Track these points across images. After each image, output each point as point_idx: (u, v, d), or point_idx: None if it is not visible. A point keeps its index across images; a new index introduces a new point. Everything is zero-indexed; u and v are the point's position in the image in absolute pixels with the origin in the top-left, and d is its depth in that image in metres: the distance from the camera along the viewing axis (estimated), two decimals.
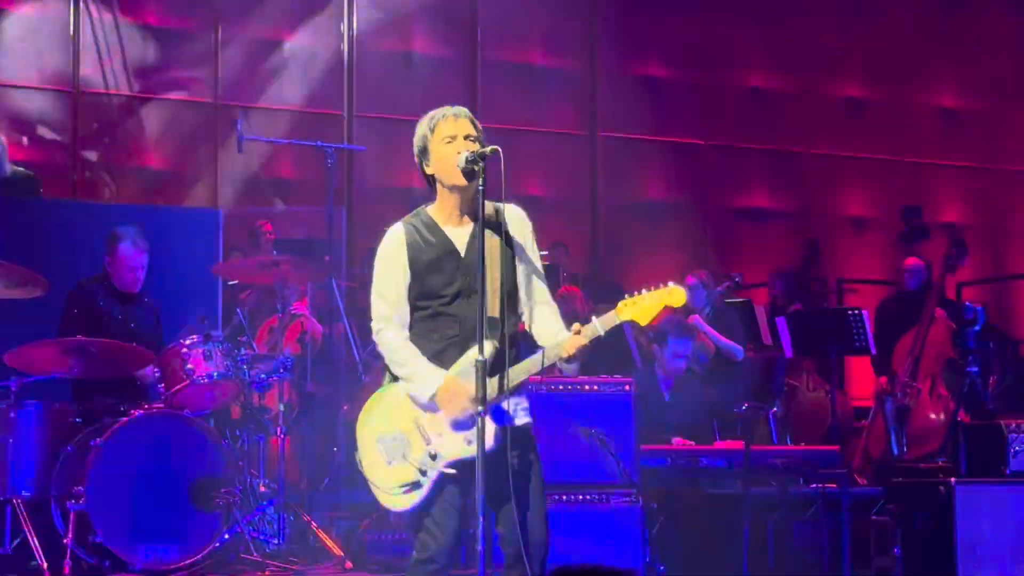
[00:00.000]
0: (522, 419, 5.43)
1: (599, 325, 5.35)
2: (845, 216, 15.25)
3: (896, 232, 12.98)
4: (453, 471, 5.34)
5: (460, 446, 5.36)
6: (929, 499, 8.16)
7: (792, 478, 9.12)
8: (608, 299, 11.22)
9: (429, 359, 5.40)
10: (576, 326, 5.39)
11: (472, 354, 5.31)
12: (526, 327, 5.53)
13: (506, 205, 5.46)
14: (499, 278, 5.36)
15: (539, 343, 5.48)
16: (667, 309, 5.47)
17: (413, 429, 5.41)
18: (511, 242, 5.47)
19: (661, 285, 5.43)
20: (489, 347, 5.28)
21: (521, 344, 5.50)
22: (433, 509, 5.36)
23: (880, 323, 11.38)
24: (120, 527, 7.90)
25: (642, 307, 5.40)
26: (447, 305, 5.43)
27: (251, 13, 12.78)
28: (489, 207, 5.44)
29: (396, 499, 5.41)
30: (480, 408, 5.16)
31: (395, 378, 5.49)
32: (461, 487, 5.39)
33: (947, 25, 15.45)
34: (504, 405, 5.31)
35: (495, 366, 5.27)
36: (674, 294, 5.43)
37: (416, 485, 5.38)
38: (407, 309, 5.47)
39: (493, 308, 5.35)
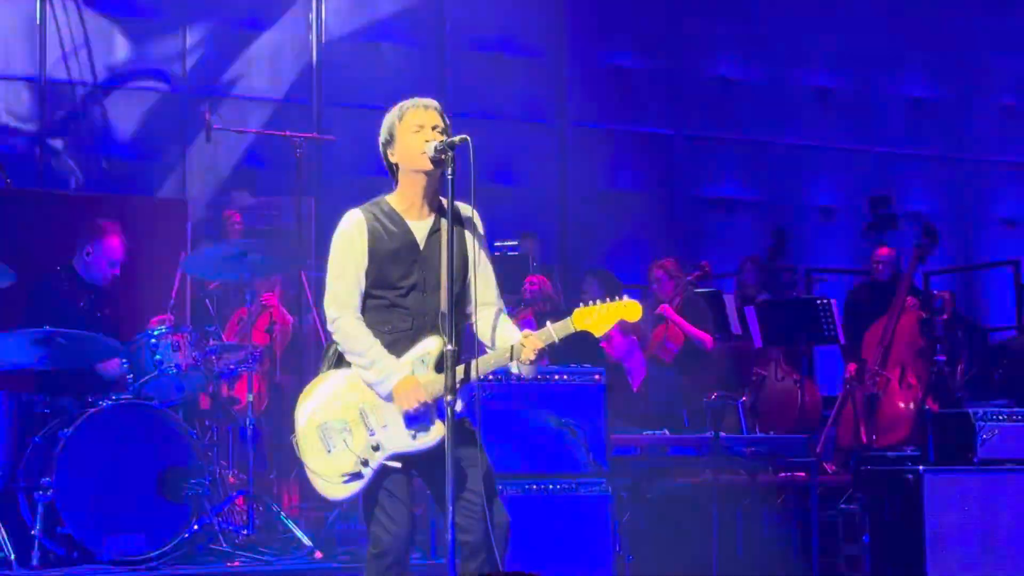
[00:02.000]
0: (463, 410, 5.42)
1: (553, 331, 5.37)
2: (813, 205, 15.28)
3: (864, 221, 13.03)
4: (397, 464, 5.35)
5: (404, 440, 5.38)
6: (897, 487, 8.20)
7: (761, 467, 9.17)
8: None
9: None
10: (527, 331, 5.42)
11: (422, 348, 5.38)
12: (473, 327, 5.52)
13: (461, 204, 5.47)
14: (452, 272, 5.36)
15: (485, 343, 5.50)
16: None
17: (357, 418, 5.41)
18: (464, 241, 5.48)
19: (617, 298, 5.44)
20: (439, 341, 5.32)
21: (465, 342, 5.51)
22: (383, 501, 5.37)
23: (850, 312, 11.42)
24: (88, 518, 7.87)
25: (597, 319, 5.42)
26: (402, 297, 5.44)
27: (219, 3, 12.72)
28: (444, 202, 5.47)
29: (336, 488, 5.41)
30: (449, 397, 5.18)
31: (337, 364, 5.49)
32: (408, 477, 5.40)
33: (915, 14, 15.48)
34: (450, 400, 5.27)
35: (442, 361, 5.28)
36: (629, 308, 5.45)
37: (357, 476, 5.39)
38: (362, 294, 5.46)
39: (444, 303, 5.35)
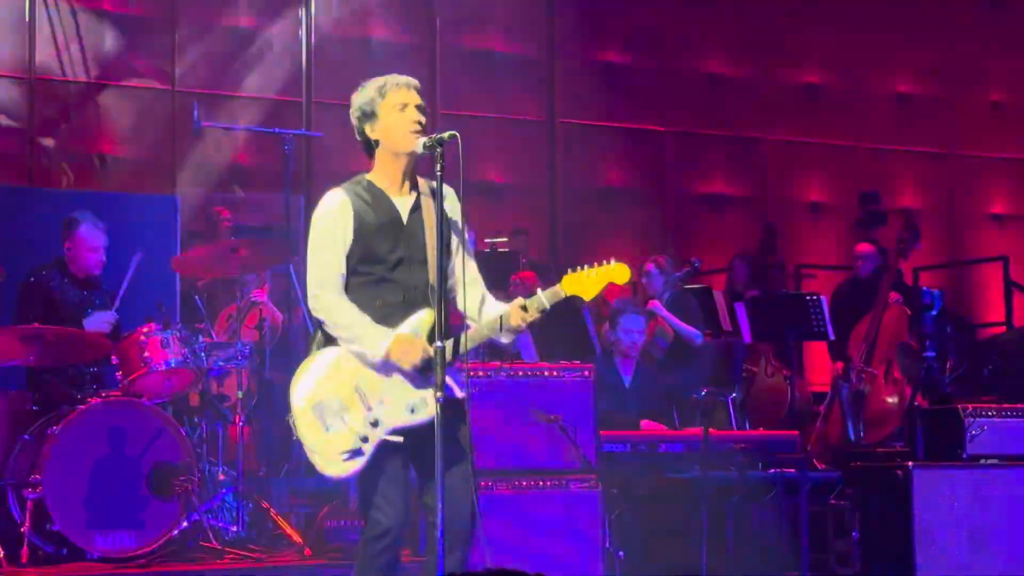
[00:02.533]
0: (458, 392, 5.42)
1: (544, 298, 5.38)
2: (803, 202, 15.29)
3: (853, 217, 13.03)
4: (399, 438, 5.32)
5: (402, 414, 5.35)
6: (887, 483, 8.19)
7: (751, 463, 9.16)
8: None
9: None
10: (520, 300, 5.42)
11: (415, 319, 5.36)
12: (457, 304, 5.52)
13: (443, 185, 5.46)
14: (440, 248, 5.34)
15: (469, 318, 5.49)
16: (612, 286, 5.52)
17: (352, 395, 5.38)
18: (446, 218, 5.46)
19: (605, 262, 5.45)
20: (431, 312, 5.32)
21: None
22: (380, 485, 5.34)
23: (835, 309, 11.41)
24: (78, 515, 7.86)
25: (586, 283, 5.44)
26: (390, 271, 5.43)
27: (210, 0, 12.70)
28: (423, 184, 5.50)
29: (336, 466, 5.38)
30: (439, 394, 5.16)
31: (325, 343, 5.46)
32: (404, 458, 5.37)
33: (904, 11, 15.49)
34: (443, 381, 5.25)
35: (433, 333, 5.26)
36: (617, 270, 5.47)
37: (358, 452, 5.35)
38: (344, 274, 5.44)
39: (431, 277, 5.36)
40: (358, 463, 5.35)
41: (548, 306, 5.38)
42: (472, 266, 5.55)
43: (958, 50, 15.73)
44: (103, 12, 12.37)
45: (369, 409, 5.35)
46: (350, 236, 5.42)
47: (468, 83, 13.60)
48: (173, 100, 12.43)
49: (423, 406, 5.34)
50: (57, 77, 12.21)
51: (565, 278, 5.43)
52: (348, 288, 5.44)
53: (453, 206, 5.53)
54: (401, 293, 5.41)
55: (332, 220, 5.44)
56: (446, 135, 5.30)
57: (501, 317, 5.39)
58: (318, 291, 5.43)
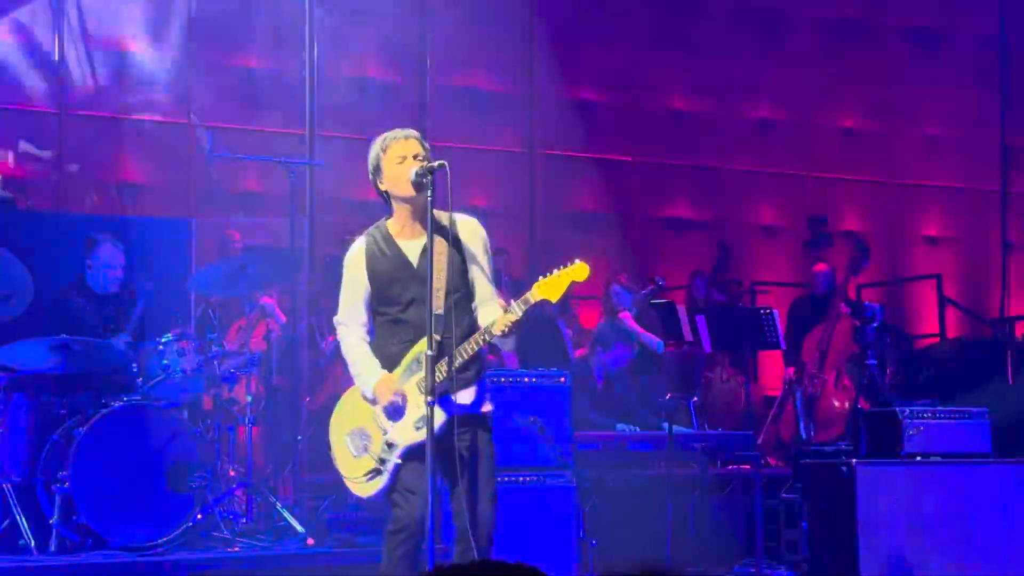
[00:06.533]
0: (484, 407, 5.57)
1: (516, 307, 5.45)
2: (757, 225, 15.32)
3: (803, 239, 13.08)
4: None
5: (410, 432, 5.49)
6: (833, 479, 8.22)
7: (711, 460, 9.20)
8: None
9: (389, 359, 5.55)
10: (502, 302, 5.58)
11: (416, 349, 5.47)
12: (480, 320, 5.59)
13: (459, 216, 5.53)
14: (446, 280, 5.41)
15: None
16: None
17: (372, 423, 5.55)
18: (461, 249, 5.51)
19: (569, 263, 5.51)
20: (422, 343, 5.43)
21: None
22: (401, 488, 5.48)
23: (792, 320, 11.47)
24: (102, 508, 7.85)
25: (551, 285, 5.49)
26: (403, 312, 5.55)
27: (222, 41, 12.71)
28: (444, 217, 5.53)
29: (363, 487, 5.58)
30: (430, 398, 5.25)
31: None
32: (422, 469, 5.40)
33: (849, 53, 15.56)
34: (454, 394, 5.40)
35: (443, 355, 5.41)
36: (578, 269, 5.53)
37: (377, 472, 5.52)
38: (365, 313, 5.62)
39: (440, 307, 5.43)
40: (379, 483, 5.53)
41: (521, 313, 5.42)
42: (479, 288, 5.61)
43: (896, 89, 15.79)
44: (127, 53, 12.37)
45: (385, 432, 5.52)
46: (366, 279, 5.59)
47: (455, 117, 13.62)
48: (189, 132, 12.42)
49: (425, 425, 5.40)
50: (85, 111, 12.20)
51: (535, 285, 5.50)
52: (374, 326, 5.64)
53: (470, 236, 5.59)
54: (413, 332, 5.53)
55: (351, 266, 5.64)
56: (435, 164, 5.38)
57: (483, 329, 5.49)
58: (340, 329, 5.68)
